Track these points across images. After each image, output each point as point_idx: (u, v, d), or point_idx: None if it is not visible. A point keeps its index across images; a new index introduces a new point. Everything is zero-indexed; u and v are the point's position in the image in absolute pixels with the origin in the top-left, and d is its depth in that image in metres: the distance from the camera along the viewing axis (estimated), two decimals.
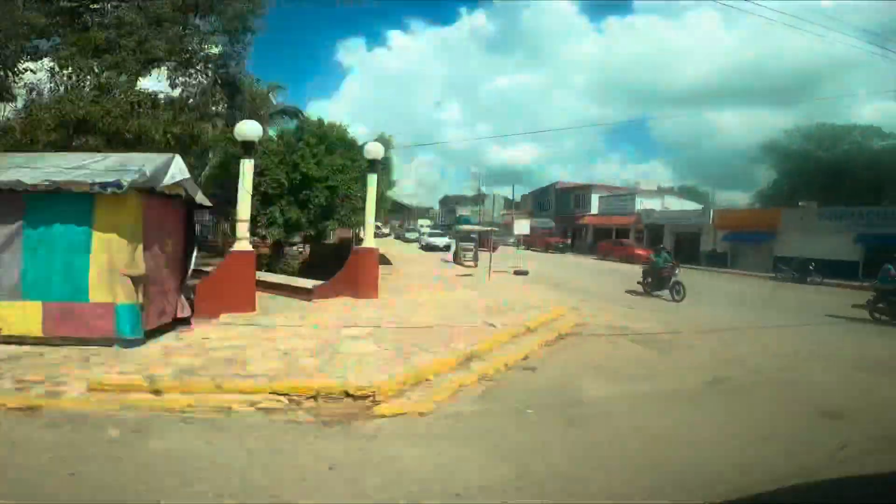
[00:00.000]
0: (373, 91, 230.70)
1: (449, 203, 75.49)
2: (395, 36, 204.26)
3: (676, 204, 32.10)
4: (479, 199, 39.49)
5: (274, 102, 20.17)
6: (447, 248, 26.84)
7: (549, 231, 35.76)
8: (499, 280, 14.59)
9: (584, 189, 36.64)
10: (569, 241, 33.39)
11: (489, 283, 12.49)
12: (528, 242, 35.63)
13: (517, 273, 16.50)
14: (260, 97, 18.91)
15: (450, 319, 7.10)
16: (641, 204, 30.16)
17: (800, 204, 25.45)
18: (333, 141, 12.13)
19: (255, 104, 18.66)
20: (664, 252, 12.55)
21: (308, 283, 9.52)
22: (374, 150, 9.16)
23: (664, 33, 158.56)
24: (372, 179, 9.18)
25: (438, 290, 10.95)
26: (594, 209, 34.66)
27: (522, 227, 17.90)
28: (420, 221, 67.13)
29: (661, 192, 34.68)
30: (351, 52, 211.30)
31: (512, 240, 39.15)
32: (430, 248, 28.56)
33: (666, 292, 11.45)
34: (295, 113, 19.69)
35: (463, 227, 20.66)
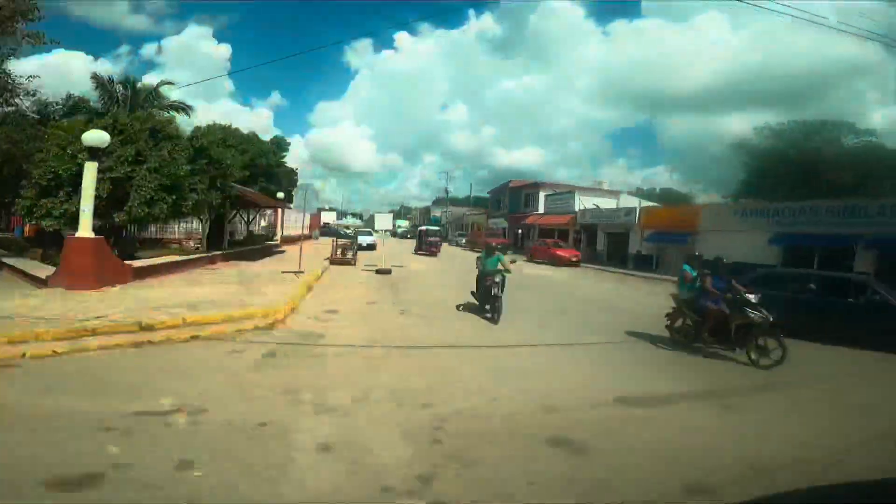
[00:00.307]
0: (379, 92, 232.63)
1: (440, 203, 75.68)
2: (402, 38, 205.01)
3: (633, 203, 30.44)
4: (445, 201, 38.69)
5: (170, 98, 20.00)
6: (371, 246, 26.74)
7: (499, 231, 34.70)
8: (335, 279, 13.92)
9: (533, 187, 35.31)
10: (508, 241, 32.24)
11: (296, 280, 11.75)
12: (473, 242, 34.74)
13: (379, 272, 15.77)
14: (145, 92, 18.82)
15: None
16: (581, 203, 28.73)
17: (740, 200, 23.83)
18: (135, 132, 11.64)
19: (138, 99, 18.68)
20: (497, 252, 9.53)
21: (44, 271, 9.19)
22: (92, 139, 8.62)
23: (671, 37, 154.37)
24: (90, 167, 8.62)
25: (209, 284, 10.24)
26: (542, 208, 33.36)
27: (385, 222, 17.16)
28: (398, 222, 67.46)
29: (608, 191, 33.15)
30: (358, 53, 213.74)
31: (464, 240, 38.38)
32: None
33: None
34: (184, 108, 19.55)
35: (341, 224, 20.06)
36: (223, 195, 13.56)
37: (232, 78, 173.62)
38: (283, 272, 12.97)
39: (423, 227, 31.81)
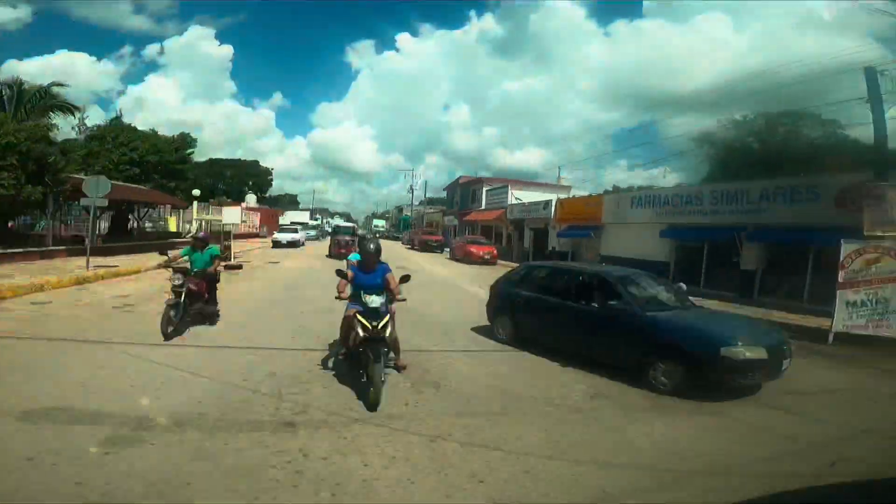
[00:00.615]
0: (381, 93, 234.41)
1: (431, 203, 75.32)
2: (403, 39, 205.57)
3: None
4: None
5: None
6: (293, 243, 27.00)
7: (449, 227, 33.79)
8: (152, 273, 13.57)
9: (478, 183, 34.26)
10: (442, 238, 31.30)
11: (81, 273, 11.43)
12: (412, 241, 34.01)
13: (229, 268, 15.35)
14: (29, 93, 18.97)
15: None
16: (512, 198, 27.53)
17: (635, 188, 22.17)
18: None
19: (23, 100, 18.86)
20: (211, 246, 7.23)
21: None
22: None
23: (673, 37, 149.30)
24: None
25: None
26: (484, 205, 32.30)
27: (230, 215, 16.69)
28: (375, 222, 67.59)
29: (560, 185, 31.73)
30: (360, 54, 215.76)
31: (406, 239, 37.66)
32: (277, 244, 27.82)
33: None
34: (69, 109, 19.68)
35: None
36: (46, 190, 13.38)
37: (234, 79, 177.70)
38: (94, 266, 12.66)
39: (336, 223, 29.07)
